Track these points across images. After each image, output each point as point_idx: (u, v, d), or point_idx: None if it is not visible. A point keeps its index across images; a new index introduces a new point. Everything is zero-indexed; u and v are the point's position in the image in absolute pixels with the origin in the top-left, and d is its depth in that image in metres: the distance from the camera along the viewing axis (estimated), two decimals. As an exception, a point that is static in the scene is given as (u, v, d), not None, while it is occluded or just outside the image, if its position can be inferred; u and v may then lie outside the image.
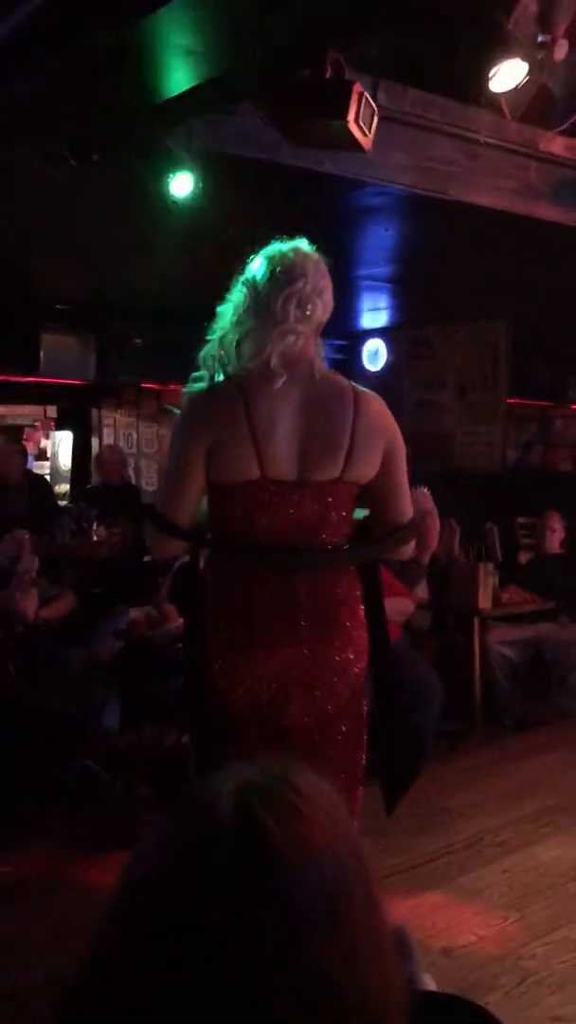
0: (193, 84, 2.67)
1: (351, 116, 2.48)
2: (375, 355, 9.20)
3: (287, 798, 0.73)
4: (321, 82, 2.52)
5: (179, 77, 2.67)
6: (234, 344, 2.41)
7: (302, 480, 2.39)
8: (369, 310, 8.47)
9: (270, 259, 2.39)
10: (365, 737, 2.59)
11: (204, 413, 2.43)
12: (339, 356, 9.48)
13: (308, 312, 2.37)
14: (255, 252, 2.38)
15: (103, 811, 4.01)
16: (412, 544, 2.64)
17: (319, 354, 2.45)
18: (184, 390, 2.54)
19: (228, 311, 2.44)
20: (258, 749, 2.40)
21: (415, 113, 3.64)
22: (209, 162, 3.24)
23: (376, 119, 2.67)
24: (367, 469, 2.42)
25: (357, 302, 8.14)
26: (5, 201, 3.86)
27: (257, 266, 2.41)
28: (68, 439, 10.15)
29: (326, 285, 2.43)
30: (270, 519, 2.39)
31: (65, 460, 10.20)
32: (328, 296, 2.43)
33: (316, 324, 2.42)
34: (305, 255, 2.40)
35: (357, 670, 2.50)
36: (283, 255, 2.40)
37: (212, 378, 2.47)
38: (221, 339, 2.44)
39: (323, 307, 2.41)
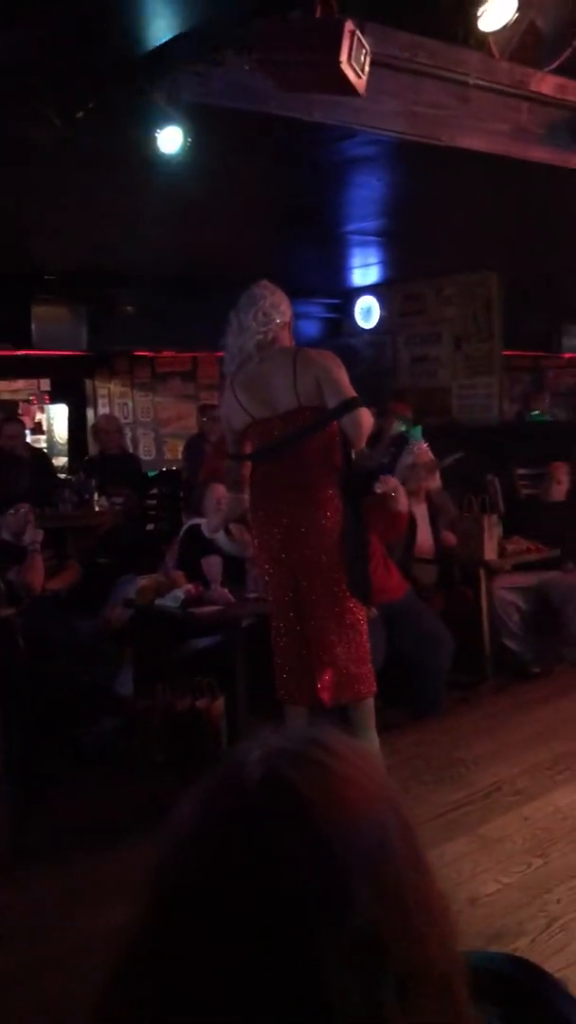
0: (176, 32, 2.60)
1: (343, 56, 2.41)
2: (368, 312, 9.11)
3: (315, 756, 0.71)
4: (311, 22, 2.44)
5: (161, 24, 2.59)
6: (232, 350, 3.71)
7: (274, 414, 3.68)
8: (360, 267, 8.37)
9: (244, 295, 3.69)
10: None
11: (221, 401, 4.11)
12: (332, 315, 9.38)
13: (266, 321, 3.64)
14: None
15: (124, 776, 4.02)
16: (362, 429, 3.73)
17: (292, 340, 3.76)
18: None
19: (231, 332, 3.71)
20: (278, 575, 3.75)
21: (404, 56, 3.55)
22: (197, 116, 3.16)
23: (368, 59, 2.60)
24: (311, 393, 3.59)
25: (348, 259, 8.04)
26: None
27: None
28: (63, 412, 10.09)
29: (279, 301, 3.70)
30: (262, 439, 3.73)
31: (61, 433, 10.15)
32: (284, 307, 3.70)
33: (282, 325, 3.68)
34: (265, 286, 3.71)
35: (329, 523, 3.67)
36: (249, 290, 3.70)
37: (229, 375, 3.77)
38: (227, 349, 3.75)
39: (280, 315, 3.68)
